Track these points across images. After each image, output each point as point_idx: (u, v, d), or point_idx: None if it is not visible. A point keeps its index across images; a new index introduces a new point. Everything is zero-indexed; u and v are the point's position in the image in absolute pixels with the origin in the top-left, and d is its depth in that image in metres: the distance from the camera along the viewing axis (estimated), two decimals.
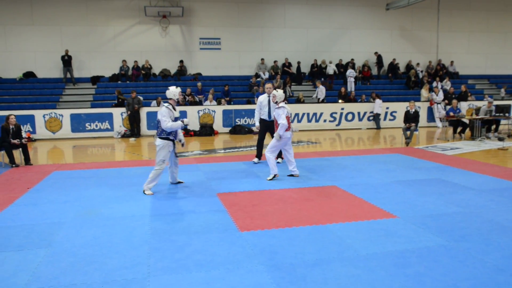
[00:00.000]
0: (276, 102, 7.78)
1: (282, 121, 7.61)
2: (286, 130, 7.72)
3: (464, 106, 17.39)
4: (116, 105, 16.27)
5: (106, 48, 19.08)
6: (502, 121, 14.46)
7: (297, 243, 4.62)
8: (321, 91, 18.32)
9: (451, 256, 4.21)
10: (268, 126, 9.17)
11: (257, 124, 9.32)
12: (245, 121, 16.86)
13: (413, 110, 12.95)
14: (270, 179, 7.67)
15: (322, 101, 18.22)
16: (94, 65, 18.96)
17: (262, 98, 9.19)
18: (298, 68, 20.25)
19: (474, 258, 4.15)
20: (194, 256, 4.30)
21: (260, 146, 9.50)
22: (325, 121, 17.62)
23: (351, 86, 19.59)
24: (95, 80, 18.67)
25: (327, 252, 4.35)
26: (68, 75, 18.32)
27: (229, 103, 17.37)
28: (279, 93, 7.79)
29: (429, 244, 4.54)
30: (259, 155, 9.51)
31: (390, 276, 3.79)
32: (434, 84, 19.73)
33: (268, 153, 7.75)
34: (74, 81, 18.46)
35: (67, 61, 18.12)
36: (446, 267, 3.96)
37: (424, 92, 18.91)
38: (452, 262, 4.08)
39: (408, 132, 12.64)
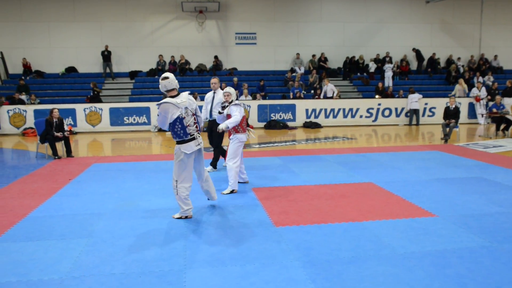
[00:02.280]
0: (231, 102, 6.68)
1: (236, 116, 6.54)
2: (238, 131, 6.76)
3: (508, 102, 16.70)
4: (91, 98, 16.54)
5: (144, 44, 19.45)
6: None
7: (332, 239, 4.57)
8: (331, 89, 17.53)
9: (494, 258, 4.06)
10: (210, 126, 8.19)
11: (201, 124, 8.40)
12: (280, 116, 16.81)
13: (454, 106, 12.56)
14: (227, 193, 6.52)
15: (330, 98, 17.54)
16: (132, 60, 19.38)
17: (207, 95, 8.30)
18: (345, 63, 19.99)
19: None
20: (229, 250, 4.33)
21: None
22: (361, 116, 17.33)
23: (388, 81, 19.18)
24: (133, 74, 19.09)
25: (364, 250, 4.28)
26: (108, 70, 18.81)
27: (264, 98, 17.36)
28: (233, 91, 6.80)
29: (470, 245, 4.39)
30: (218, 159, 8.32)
31: (429, 277, 3.70)
32: (475, 79, 19.05)
33: (231, 162, 6.60)
34: (113, 75, 18.93)
35: (106, 56, 18.60)
36: (488, 269, 3.82)
37: (458, 87, 18.25)
38: (495, 264, 3.93)
39: (448, 129, 12.27)
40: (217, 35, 19.98)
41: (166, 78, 5.09)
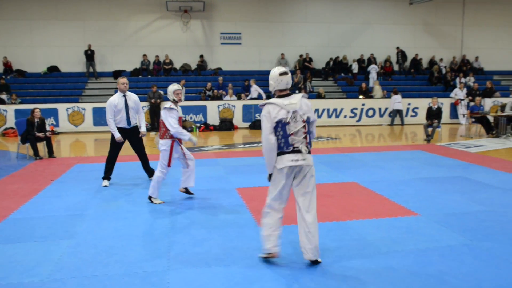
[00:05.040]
0: (176, 102, 5.98)
1: (174, 127, 5.81)
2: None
3: (488, 103, 16.99)
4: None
5: (128, 43, 19.27)
6: None
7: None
8: (256, 90, 17.22)
9: (475, 256, 4.12)
10: (129, 135, 7.19)
11: (118, 134, 6.96)
12: None
13: (436, 106, 12.73)
14: (158, 202, 6.04)
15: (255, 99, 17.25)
16: (116, 59, 19.18)
17: (116, 100, 6.95)
18: (328, 63, 20.12)
19: (498, 258, 4.06)
20: (214, 250, 4.31)
21: (111, 164, 7.24)
22: (345, 117, 17.45)
23: (372, 82, 19.34)
24: (117, 74, 18.87)
25: (347, 249, 4.31)
26: (91, 70, 18.60)
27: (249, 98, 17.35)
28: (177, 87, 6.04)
29: (451, 243, 4.45)
30: (108, 174, 7.27)
31: (411, 275, 3.73)
32: (458, 80, 19.35)
33: (160, 169, 5.98)
34: (97, 75, 18.72)
35: (90, 55, 18.38)
36: (469, 267, 3.88)
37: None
38: (476, 261, 4.00)
39: (430, 129, 12.43)
40: (202, 35, 19.91)
41: (285, 73, 4.00)
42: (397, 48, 20.70)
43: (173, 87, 5.98)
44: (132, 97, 7.15)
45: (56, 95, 17.20)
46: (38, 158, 9.60)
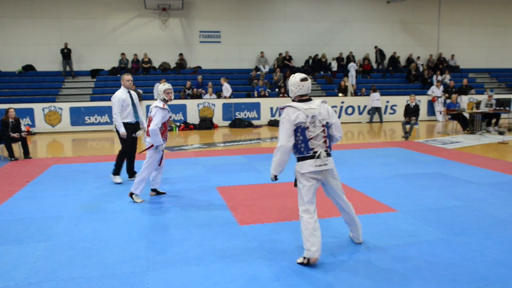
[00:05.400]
0: (166, 101, 6.02)
1: (155, 127, 5.79)
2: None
3: (464, 100, 17.33)
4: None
5: (106, 41, 18.99)
6: (502, 115, 14.42)
7: (297, 237, 4.60)
8: (226, 88, 17.07)
9: (451, 250, 4.20)
10: (135, 130, 7.30)
11: (123, 130, 6.99)
12: (245, 114, 16.82)
13: (414, 103, 12.91)
14: (138, 202, 6.01)
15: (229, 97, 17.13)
16: (94, 58, 18.88)
17: (124, 95, 7.01)
18: (307, 61, 20.22)
19: (474, 252, 4.14)
20: (193, 250, 4.29)
21: (122, 160, 7.33)
22: None
23: (352, 80, 19.52)
24: (94, 73, 18.61)
25: (327, 246, 4.33)
26: (68, 68, 18.25)
27: (229, 96, 17.31)
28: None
29: (429, 238, 4.53)
30: (131, 170, 7.46)
31: (390, 270, 3.78)
32: (435, 78, 19.67)
33: (144, 167, 6.02)
34: (74, 74, 18.39)
35: (66, 54, 18.04)
36: (446, 261, 3.95)
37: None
38: (452, 256, 4.07)
39: (408, 126, 12.61)
40: (181, 33, 19.76)
41: (306, 79, 4.08)
42: (375, 47, 20.92)
43: (163, 86, 5.99)
44: (134, 93, 7.29)
45: (32, 95, 16.82)
46: (13, 159, 9.39)
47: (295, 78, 4.10)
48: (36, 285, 3.59)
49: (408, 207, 5.61)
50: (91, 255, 4.17)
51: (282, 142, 3.98)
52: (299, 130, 3.96)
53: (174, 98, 16.75)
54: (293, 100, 4.14)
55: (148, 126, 5.94)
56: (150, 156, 6.00)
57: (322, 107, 4.07)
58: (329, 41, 21.07)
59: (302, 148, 4.00)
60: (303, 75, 4.13)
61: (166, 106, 5.94)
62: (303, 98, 4.09)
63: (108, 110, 15.66)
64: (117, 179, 7.22)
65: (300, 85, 4.06)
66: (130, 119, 7.10)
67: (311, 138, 3.98)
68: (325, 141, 4.07)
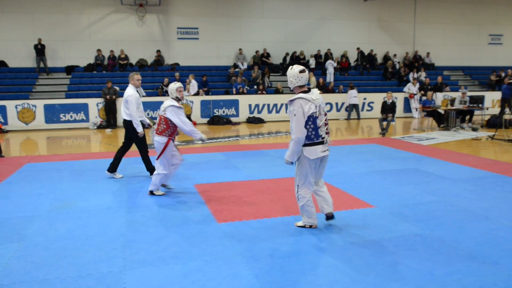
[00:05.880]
0: (179, 99, 6.06)
1: (188, 126, 5.98)
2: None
3: (439, 97, 17.66)
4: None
5: (81, 37, 18.62)
6: (476, 112, 14.75)
7: (275, 233, 4.61)
8: (193, 86, 17.00)
9: (427, 245, 4.27)
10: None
11: (141, 129, 7.03)
12: (223, 111, 16.76)
13: (390, 100, 13.09)
14: (159, 194, 6.18)
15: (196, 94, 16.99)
16: (69, 54, 18.49)
17: (137, 94, 7.04)
18: (284, 58, 20.27)
19: (448, 246, 4.22)
20: (171, 248, 4.25)
21: (122, 157, 7.37)
22: None
23: (330, 77, 19.65)
24: (69, 70, 18.23)
25: (305, 242, 4.36)
26: (42, 65, 17.82)
27: (207, 93, 17.23)
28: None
29: (405, 233, 4.59)
30: (150, 167, 7.38)
31: (367, 266, 3.82)
32: (411, 75, 19.97)
33: (159, 164, 6.08)
34: (48, 70, 17.98)
35: (40, 50, 17.61)
36: (421, 256, 4.01)
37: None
38: (427, 250, 4.14)
39: (385, 123, 12.78)
40: (158, 29, 19.53)
41: (304, 71, 4.45)
42: (358, 48, 21.10)
43: (175, 85, 6.02)
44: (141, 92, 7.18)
45: (5, 92, 16.38)
46: None
47: (294, 70, 4.45)
48: (9, 287, 3.50)
49: (385, 203, 5.68)
50: (66, 255, 4.09)
51: (297, 134, 4.32)
52: (311, 120, 4.33)
53: (152, 95, 16.70)
54: (292, 91, 4.53)
55: (159, 124, 6.00)
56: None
57: (320, 97, 4.50)
58: (307, 39, 21.15)
59: (312, 135, 4.38)
60: (301, 67, 4.47)
61: (180, 104, 6.00)
62: (303, 89, 4.45)
63: (83, 107, 15.40)
64: (118, 175, 7.30)
65: (299, 76, 4.42)
66: (142, 117, 7.18)
67: (320, 126, 4.39)
68: (326, 128, 4.52)
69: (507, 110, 15.57)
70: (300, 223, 4.78)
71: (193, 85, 16.87)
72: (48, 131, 14.69)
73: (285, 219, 5.07)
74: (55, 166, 8.33)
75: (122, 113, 7.15)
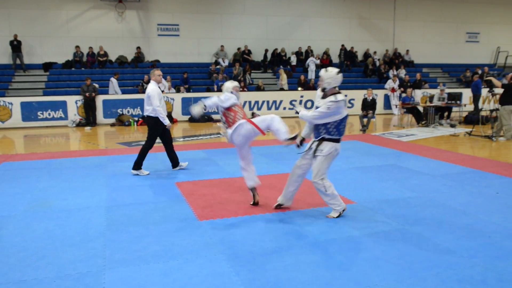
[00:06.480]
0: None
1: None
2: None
3: (418, 94, 17.91)
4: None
5: (59, 33, 18.27)
6: (454, 108, 15.01)
7: (256, 231, 4.61)
8: (163, 84, 16.46)
9: (406, 240, 4.33)
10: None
11: (168, 122, 7.29)
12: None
13: (371, 97, 13.21)
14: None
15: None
16: (46, 51, 18.14)
17: (158, 89, 7.26)
18: (265, 55, 20.29)
19: (427, 241, 4.28)
20: (152, 247, 4.21)
21: (146, 154, 7.39)
22: (284, 108, 17.69)
23: (312, 74, 19.73)
24: (47, 66, 17.88)
25: (286, 239, 4.37)
26: (18, 61, 17.43)
27: (188, 90, 17.12)
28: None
29: (385, 228, 4.64)
30: (175, 160, 7.66)
31: (348, 261, 3.85)
32: (391, 72, 20.20)
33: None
34: (25, 67, 17.60)
35: (16, 46, 17.22)
36: (401, 251, 4.06)
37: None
38: (406, 245, 4.19)
39: (365, 120, 12.90)
40: (138, 26, 19.30)
41: (339, 72, 4.82)
42: (342, 45, 21.23)
43: (232, 83, 5.72)
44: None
45: None
46: None
47: (332, 72, 4.76)
48: None
49: (365, 199, 5.74)
50: (44, 256, 4.01)
51: (317, 120, 4.76)
52: (345, 119, 4.84)
53: (132, 93, 16.50)
54: (325, 91, 4.81)
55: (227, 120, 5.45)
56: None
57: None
58: (288, 36, 21.19)
59: (342, 132, 4.83)
60: (336, 69, 4.81)
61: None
62: (335, 90, 4.77)
63: (62, 105, 15.13)
64: (144, 172, 7.29)
65: (336, 78, 4.75)
66: (164, 112, 7.30)
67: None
68: None
69: (484, 106, 15.89)
70: (334, 213, 4.96)
71: (163, 83, 16.66)
72: (25, 129, 14.39)
73: (266, 216, 5.08)
74: (33, 165, 8.16)
75: (145, 110, 7.29)
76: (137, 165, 7.28)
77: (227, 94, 5.49)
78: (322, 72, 4.86)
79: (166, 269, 3.74)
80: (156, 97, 7.08)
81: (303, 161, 5.08)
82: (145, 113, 7.32)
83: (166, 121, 7.19)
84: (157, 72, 7.30)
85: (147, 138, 7.38)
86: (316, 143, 4.89)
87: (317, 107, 4.82)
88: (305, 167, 5.09)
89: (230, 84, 5.81)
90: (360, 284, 3.45)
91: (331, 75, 4.74)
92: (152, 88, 7.14)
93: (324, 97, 4.86)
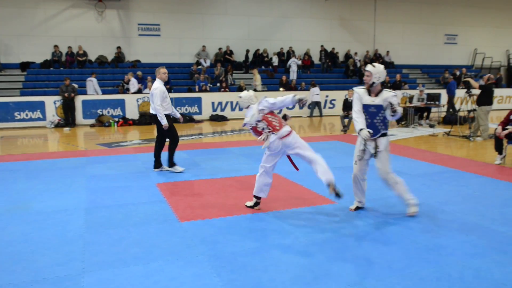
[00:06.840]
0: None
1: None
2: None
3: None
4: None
5: (37, 32, 17.94)
6: (433, 109, 15.24)
7: (238, 231, 4.60)
8: (133, 84, 16.50)
9: (387, 238, 4.37)
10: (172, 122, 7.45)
11: (166, 122, 7.11)
12: (186, 109, 16.59)
13: (352, 98, 13.30)
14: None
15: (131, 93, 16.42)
16: (24, 50, 17.79)
17: (163, 87, 7.15)
18: (247, 56, 20.28)
19: (407, 239, 4.33)
20: (132, 249, 4.15)
21: (174, 150, 7.48)
22: None
23: (293, 74, 19.80)
24: (24, 66, 17.54)
25: (268, 240, 4.37)
26: None
27: (169, 91, 16.93)
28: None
29: (366, 229, 4.68)
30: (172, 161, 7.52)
31: (329, 261, 3.86)
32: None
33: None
34: (1, 67, 17.23)
35: None
36: (381, 249, 4.10)
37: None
38: (387, 244, 4.23)
39: (346, 120, 13.00)
40: (118, 25, 19.09)
41: (385, 67, 5.01)
42: (321, 46, 21.35)
43: (250, 93, 5.42)
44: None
45: None
46: None
47: (380, 67, 4.89)
48: None
49: (346, 199, 5.75)
50: (20, 260, 3.92)
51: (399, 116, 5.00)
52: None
53: (112, 93, 16.30)
54: (373, 86, 4.98)
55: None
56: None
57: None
58: (269, 36, 21.23)
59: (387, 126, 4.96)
60: (381, 65, 4.93)
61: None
62: (381, 87, 4.97)
63: (40, 105, 14.86)
64: (178, 168, 7.41)
65: (384, 73, 4.91)
66: (170, 110, 7.28)
67: None
68: None
69: (461, 106, 16.17)
70: (414, 208, 5.00)
71: (133, 83, 16.51)
72: (1, 130, 14.08)
73: (247, 217, 5.07)
74: (9, 166, 7.99)
75: (151, 108, 7.27)
76: (170, 163, 7.43)
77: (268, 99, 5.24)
78: (370, 67, 4.88)
79: (147, 271, 3.69)
80: (159, 95, 7.02)
81: (362, 166, 5.21)
82: (151, 111, 7.31)
83: (164, 121, 7.10)
84: (163, 70, 7.24)
85: (167, 136, 7.40)
86: (372, 142, 4.95)
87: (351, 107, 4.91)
88: (364, 169, 5.26)
89: (252, 93, 5.45)
90: (340, 283, 3.46)
91: (379, 70, 4.84)
92: (156, 86, 7.10)
93: (369, 93, 5.05)
